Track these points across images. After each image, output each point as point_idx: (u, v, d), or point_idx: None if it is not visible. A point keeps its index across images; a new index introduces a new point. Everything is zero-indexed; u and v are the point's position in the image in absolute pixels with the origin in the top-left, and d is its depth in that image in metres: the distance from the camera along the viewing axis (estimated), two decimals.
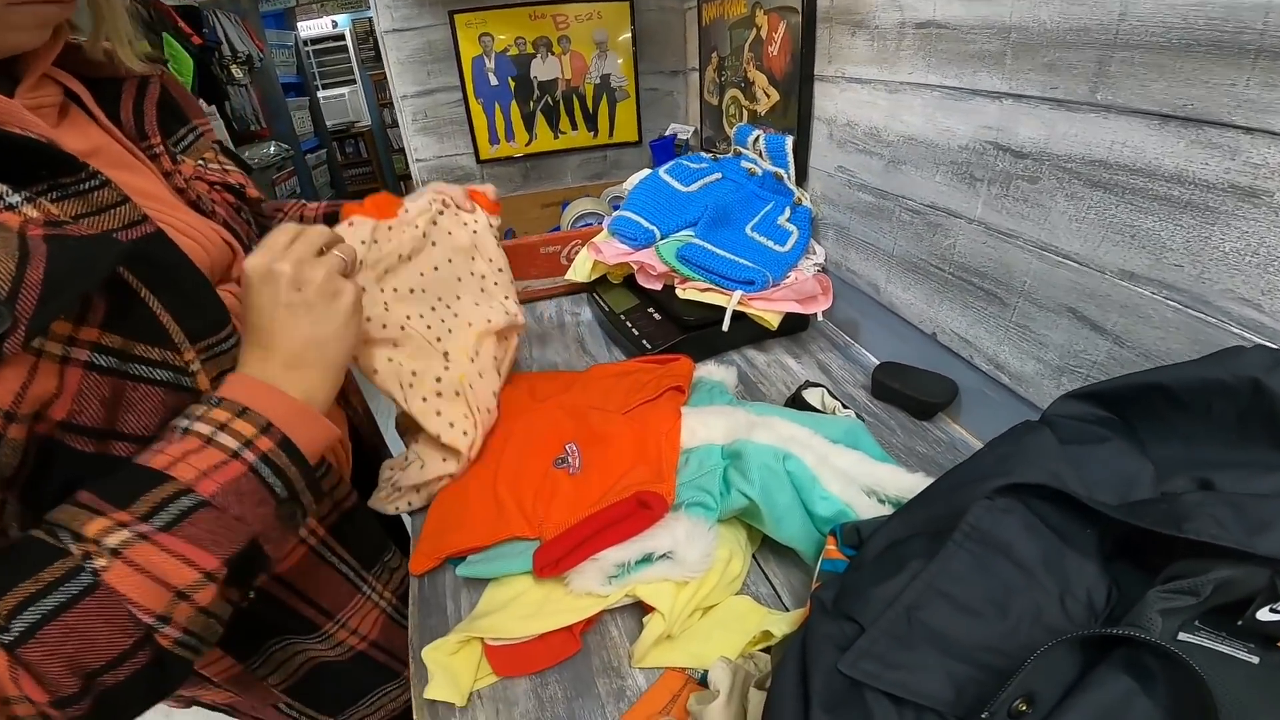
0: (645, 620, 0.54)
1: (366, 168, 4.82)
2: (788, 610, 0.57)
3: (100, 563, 0.36)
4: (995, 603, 0.37)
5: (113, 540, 0.36)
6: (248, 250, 0.56)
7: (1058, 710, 0.31)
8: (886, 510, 0.60)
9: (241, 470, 0.41)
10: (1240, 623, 0.32)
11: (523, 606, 0.55)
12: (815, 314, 0.90)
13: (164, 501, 0.38)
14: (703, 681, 0.50)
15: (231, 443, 0.41)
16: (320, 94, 4.49)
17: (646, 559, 0.55)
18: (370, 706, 0.69)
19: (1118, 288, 0.56)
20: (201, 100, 2.61)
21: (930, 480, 0.61)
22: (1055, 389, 0.65)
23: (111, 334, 0.40)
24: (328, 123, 4.40)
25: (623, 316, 0.98)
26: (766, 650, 0.52)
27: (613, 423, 0.71)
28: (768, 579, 0.60)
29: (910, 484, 0.61)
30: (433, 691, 0.51)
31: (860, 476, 0.62)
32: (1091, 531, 0.40)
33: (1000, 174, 0.66)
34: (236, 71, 3.03)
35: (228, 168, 0.62)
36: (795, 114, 1.01)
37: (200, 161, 0.58)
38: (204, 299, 0.47)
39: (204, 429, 0.41)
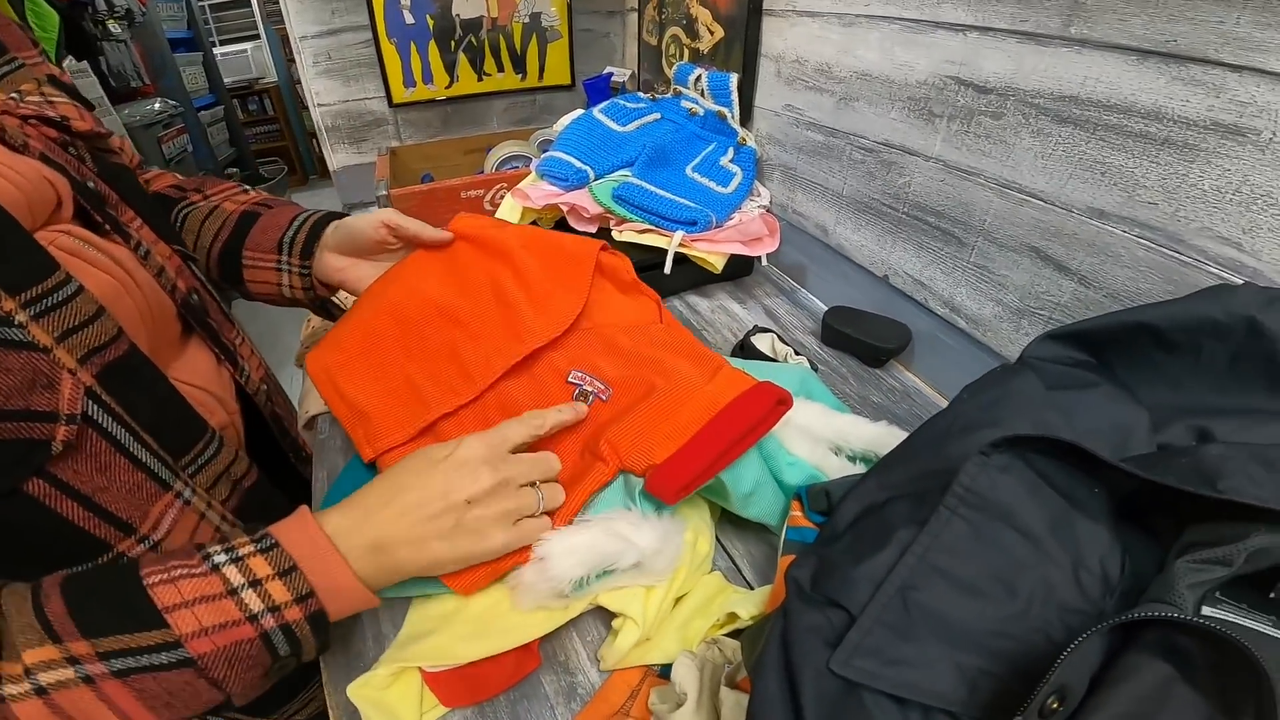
0: (615, 625, 0.46)
1: (273, 125, 4.53)
2: (751, 588, 0.51)
3: (12, 690, 0.32)
4: (1001, 579, 0.32)
5: (48, 677, 0.33)
6: (78, 189, 0.47)
7: (1090, 705, 0.26)
8: (858, 469, 0.54)
9: (249, 635, 0.37)
10: (1273, 595, 0.28)
11: (463, 625, 0.46)
12: (760, 258, 0.84)
13: (140, 650, 0.34)
14: (664, 674, 0.43)
15: (256, 604, 0.37)
16: (218, 50, 4.23)
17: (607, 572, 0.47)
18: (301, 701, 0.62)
19: (1085, 226, 0.54)
20: (70, 57, 2.41)
21: (895, 429, 0.57)
22: (1015, 332, 0.63)
23: None
24: (227, 80, 4.13)
25: None
26: (733, 635, 0.46)
27: (610, 332, 0.60)
28: (725, 551, 0.54)
29: (874, 434, 0.57)
30: None
31: (823, 431, 0.56)
32: (1099, 491, 0.35)
33: (961, 110, 0.63)
34: (114, 26, 2.79)
35: (53, 99, 0.51)
36: (741, 51, 0.95)
37: (14, 95, 0.49)
38: (13, 242, 0.39)
39: (234, 577, 0.37)
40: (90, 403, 0.39)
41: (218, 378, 0.57)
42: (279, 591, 0.37)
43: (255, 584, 0.37)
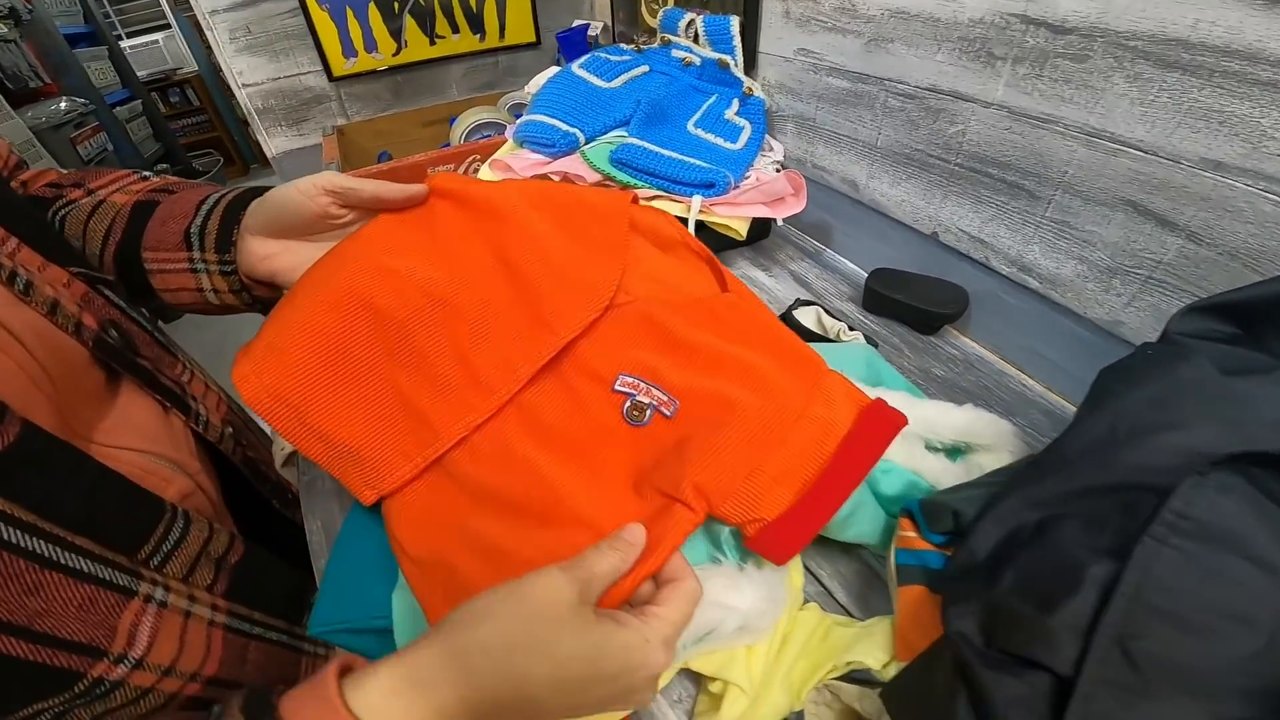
0: (714, 689, 0.37)
1: (200, 116, 4.22)
2: (850, 615, 0.42)
3: None
4: (1233, 614, 0.26)
5: None
6: None
7: None
8: (959, 470, 0.45)
9: None
10: None
11: None
12: (776, 219, 0.74)
13: None
14: None
15: None
16: (125, 43, 3.97)
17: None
18: None
19: (1197, 178, 0.47)
20: None
21: (983, 413, 0.48)
22: (1104, 293, 0.55)
23: None
24: (141, 73, 3.86)
25: None
26: (854, 680, 0.36)
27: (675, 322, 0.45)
28: (811, 574, 0.45)
29: (964, 422, 0.48)
30: None
31: (913, 425, 0.46)
32: None
33: (1031, 51, 0.54)
34: None
35: None
36: None
37: None
38: None
39: None
40: None
41: (167, 432, 0.45)
42: None
43: None
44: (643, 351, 0.45)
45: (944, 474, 0.44)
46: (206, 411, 0.51)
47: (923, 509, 0.39)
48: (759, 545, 0.36)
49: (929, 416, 0.48)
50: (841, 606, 0.43)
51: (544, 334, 0.45)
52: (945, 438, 0.47)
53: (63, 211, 0.50)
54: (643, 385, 0.43)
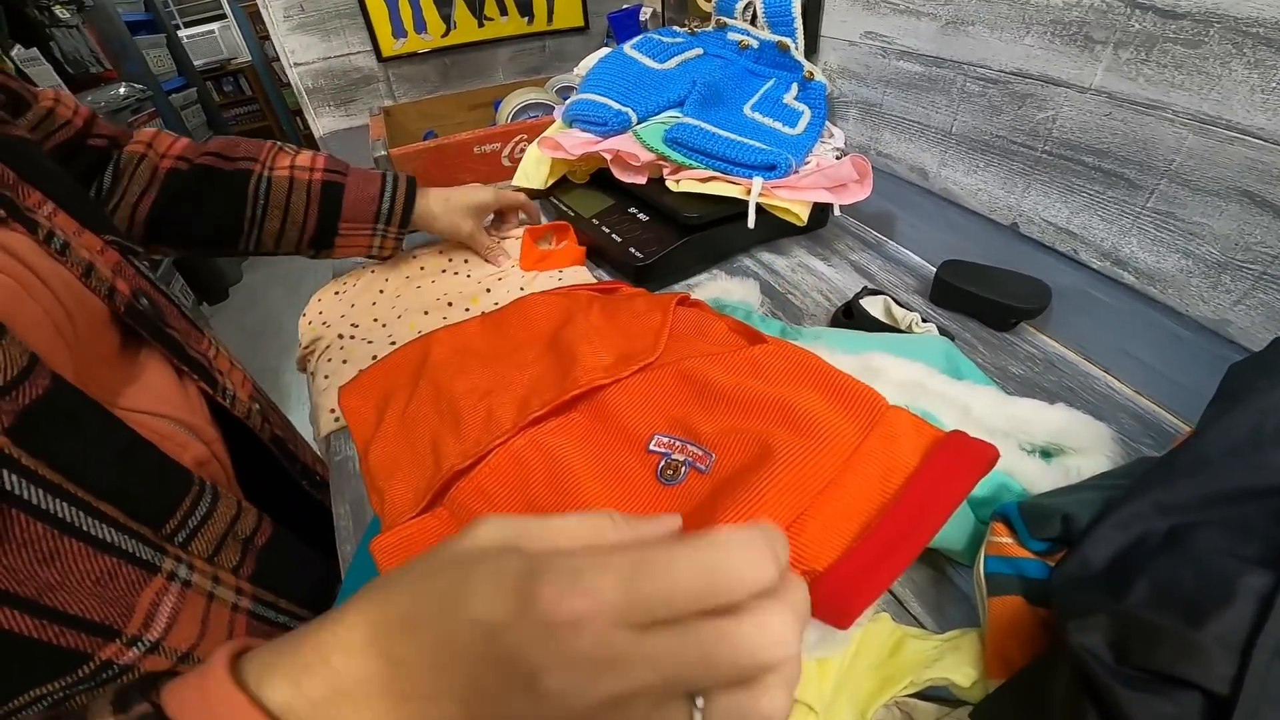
0: None
1: (252, 105, 4.34)
2: (924, 627, 0.37)
3: None
4: None
5: None
6: None
7: None
8: (1056, 472, 0.41)
9: None
10: None
11: None
12: (834, 206, 0.70)
13: None
14: None
15: None
16: (183, 32, 4.10)
17: None
18: None
19: None
20: (18, 45, 2.27)
21: (1079, 414, 0.44)
22: (1211, 289, 0.50)
23: None
24: (197, 62, 3.95)
25: (596, 222, 0.74)
26: (930, 698, 0.32)
27: (713, 370, 0.43)
28: None
29: (1060, 423, 0.44)
30: None
31: (999, 422, 0.43)
32: None
33: (1137, 36, 0.50)
34: (61, 12, 2.63)
35: None
36: None
37: None
38: None
39: None
40: (6, 472, 0.27)
41: (183, 398, 0.43)
42: None
43: None
44: (678, 408, 0.42)
45: (1040, 477, 0.40)
46: (233, 387, 0.49)
47: (1023, 513, 0.35)
48: (817, 607, 0.29)
49: (1021, 414, 0.44)
50: (914, 618, 0.39)
51: (567, 384, 0.44)
52: (1038, 438, 0.43)
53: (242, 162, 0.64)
54: (677, 443, 0.40)
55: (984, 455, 0.34)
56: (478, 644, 0.17)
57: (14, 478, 0.27)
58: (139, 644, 0.32)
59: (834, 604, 0.30)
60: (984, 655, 0.33)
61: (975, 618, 0.35)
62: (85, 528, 0.30)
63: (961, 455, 0.34)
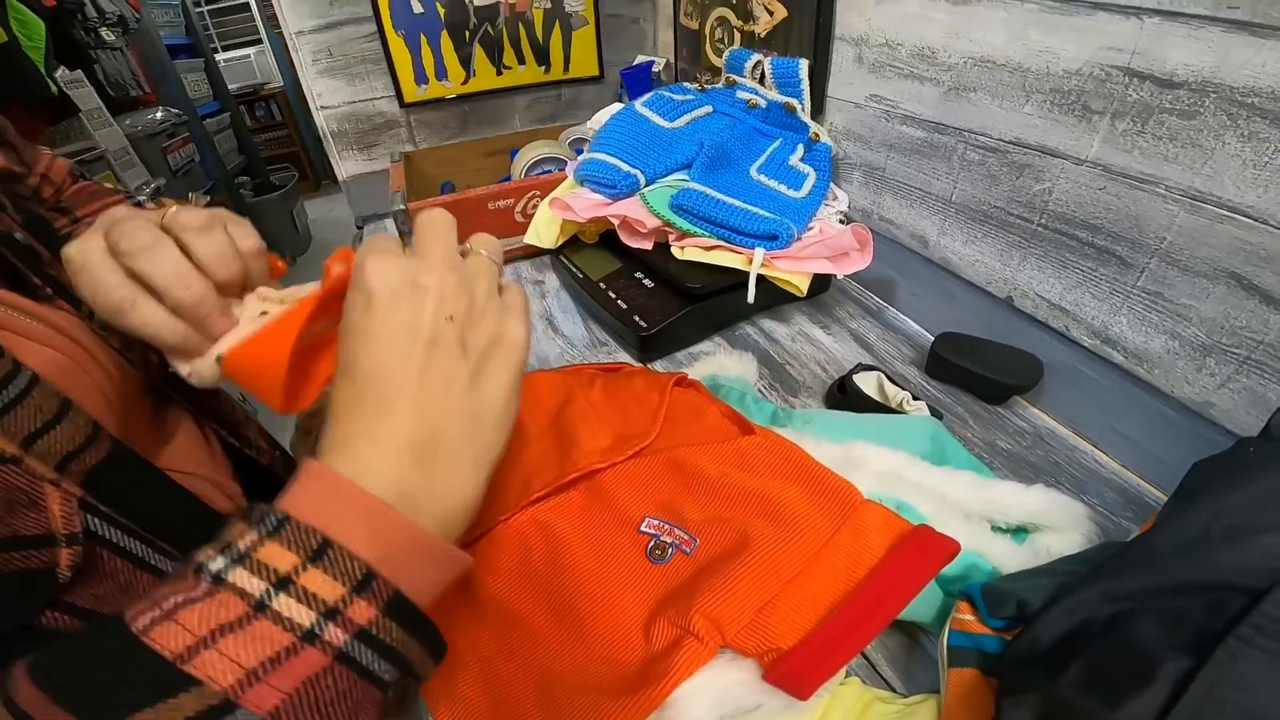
0: None
1: (281, 131, 4.44)
2: (893, 689, 0.40)
3: None
4: None
5: None
6: (3, 242, 0.37)
7: None
8: (1025, 553, 0.42)
9: (321, 664, 0.23)
10: None
11: None
12: (837, 274, 0.72)
13: None
14: None
15: (303, 616, 0.23)
16: (220, 56, 4.15)
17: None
18: None
19: None
20: (63, 67, 2.28)
21: (1056, 494, 0.46)
22: (1195, 372, 0.51)
23: None
24: (231, 86, 4.03)
25: (603, 285, 0.76)
26: None
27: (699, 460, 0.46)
28: None
29: (1035, 505, 0.46)
30: None
31: (977, 505, 0.44)
32: None
33: (1134, 106, 0.50)
34: (107, 34, 2.68)
35: None
36: (810, 34, 0.82)
37: None
38: None
39: (250, 583, 0.23)
40: (90, 516, 0.32)
41: (209, 456, 0.46)
42: (323, 585, 0.24)
43: (285, 584, 0.23)
44: (668, 494, 0.45)
45: (1009, 557, 0.42)
46: (255, 438, 0.52)
47: (984, 594, 0.37)
48: (776, 677, 0.34)
49: (997, 498, 0.46)
50: (885, 681, 0.41)
51: (567, 466, 0.47)
52: (1013, 520, 0.45)
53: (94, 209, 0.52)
54: (666, 526, 0.43)
55: (944, 549, 0.37)
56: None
57: (96, 520, 0.32)
58: None
59: (795, 678, 0.33)
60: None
61: (940, 683, 0.37)
62: (152, 562, 0.35)
63: (925, 549, 0.37)
